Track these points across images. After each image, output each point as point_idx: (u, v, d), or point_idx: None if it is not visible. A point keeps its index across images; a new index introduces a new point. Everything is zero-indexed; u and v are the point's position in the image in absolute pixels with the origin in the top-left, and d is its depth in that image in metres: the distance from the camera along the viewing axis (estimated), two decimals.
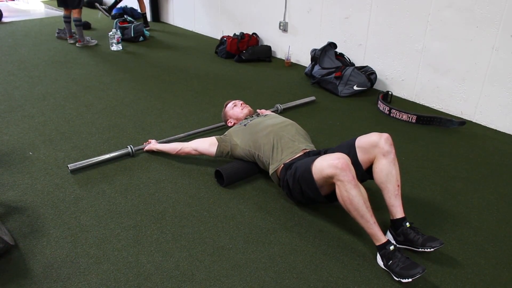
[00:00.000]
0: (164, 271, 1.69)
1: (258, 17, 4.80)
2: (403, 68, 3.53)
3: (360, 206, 1.68)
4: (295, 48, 4.46)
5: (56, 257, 1.74)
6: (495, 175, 2.47)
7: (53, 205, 2.07)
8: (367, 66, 3.70)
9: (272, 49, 4.74)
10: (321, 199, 1.89)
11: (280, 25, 4.54)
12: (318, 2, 4.06)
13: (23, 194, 2.15)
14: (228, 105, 2.69)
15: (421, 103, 3.49)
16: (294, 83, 3.93)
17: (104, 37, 5.15)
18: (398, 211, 1.83)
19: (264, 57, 4.61)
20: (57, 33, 5.28)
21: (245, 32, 4.75)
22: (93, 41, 5.03)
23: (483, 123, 3.14)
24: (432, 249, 1.72)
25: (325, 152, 2.04)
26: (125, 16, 5.61)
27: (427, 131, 3.00)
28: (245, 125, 2.37)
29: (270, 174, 2.17)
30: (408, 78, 3.52)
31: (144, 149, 2.58)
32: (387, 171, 1.84)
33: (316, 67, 3.83)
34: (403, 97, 3.62)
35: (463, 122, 3.05)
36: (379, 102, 3.36)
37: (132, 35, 5.17)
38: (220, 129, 2.85)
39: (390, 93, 3.45)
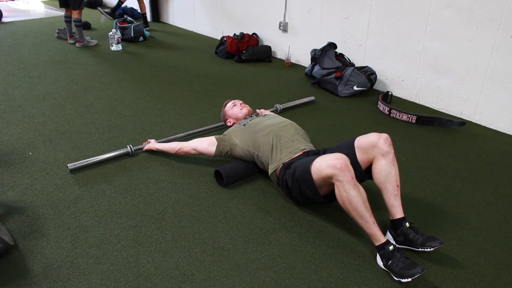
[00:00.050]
0: (164, 271, 1.69)
1: (258, 17, 4.80)
2: (403, 68, 3.53)
3: (359, 206, 1.68)
4: (295, 48, 4.46)
5: (56, 257, 1.74)
6: (495, 175, 2.47)
7: (53, 205, 2.07)
8: (367, 66, 3.70)
9: (272, 49, 4.74)
10: (320, 199, 1.90)
11: (280, 25, 4.54)
12: (318, 2, 4.06)
13: (23, 194, 2.15)
14: (228, 105, 2.69)
15: (421, 104, 3.49)
16: (294, 84, 3.93)
17: (104, 37, 5.14)
18: (397, 211, 1.83)
19: (264, 57, 4.61)
20: (57, 33, 5.28)
21: (245, 32, 4.75)
22: (93, 41, 5.03)
23: (483, 124, 3.14)
24: (432, 249, 1.72)
25: (324, 152, 2.04)
26: (125, 16, 5.60)
27: (427, 131, 3.00)
28: (244, 125, 2.37)
29: (269, 174, 2.17)
30: (408, 78, 3.52)
31: (144, 149, 2.58)
32: (386, 171, 1.84)
33: (316, 67, 3.83)
34: (403, 97, 3.62)
35: (463, 123, 3.05)
36: (379, 102, 3.36)
37: (132, 35, 5.17)
38: (220, 129, 2.85)
39: (390, 93, 3.45)
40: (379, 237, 1.70)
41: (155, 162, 2.47)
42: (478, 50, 3.01)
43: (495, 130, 3.06)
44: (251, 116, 2.54)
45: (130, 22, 5.35)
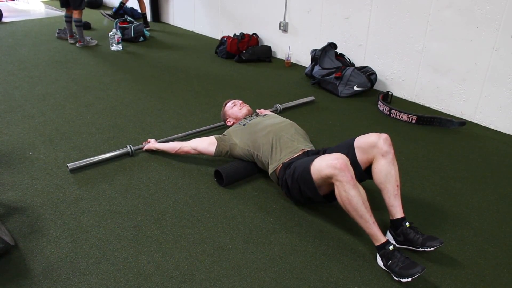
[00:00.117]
0: (164, 271, 1.69)
1: (258, 18, 4.80)
2: (403, 68, 3.53)
3: (359, 206, 1.68)
4: (295, 48, 4.46)
5: (56, 257, 1.74)
6: (495, 175, 2.47)
7: (53, 205, 2.07)
8: (367, 66, 3.70)
9: (272, 49, 4.74)
10: (319, 199, 1.90)
11: (280, 26, 4.55)
12: (318, 2, 4.06)
13: (23, 194, 2.15)
14: (228, 105, 2.69)
15: (421, 104, 3.49)
16: (294, 84, 3.93)
17: (104, 37, 5.15)
18: (397, 211, 1.83)
19: (264, 58, 4.61)
20: (57, 33, 5.28)
21: (245, 33, 4.75)
22: (93, 41, 5.03)
23: (483, 124, 3.14)
24: (432, 248, 1.72)
25: (324, 152, 2.04)
26: (125, 16, 5.61)
27: (427, 131, 3.00)
28: (244, 125, 2.38)
29: (269, 174, 2.17)
30: (408, 78, 3.52)
31: (144, 149, 2.58)
32: (386, 171, 1.84)
33: (316, 68, 3.83)
34: (403, 97, 3.62)
35: (463, 123, 3.05)
36: (379, 102, 3.36)
37: (132, 35, 5.17)
38: (220, 129, 2.85)
39: (390, 93, 3.45)
40: (379, 237, 1.70)
41: (155, 162, 2.47)
42: (478, 50, 3.01)
43: (495, 130, 3.06)
44: (251, 116, 2.54)
45: (130, 22, 5.35)
